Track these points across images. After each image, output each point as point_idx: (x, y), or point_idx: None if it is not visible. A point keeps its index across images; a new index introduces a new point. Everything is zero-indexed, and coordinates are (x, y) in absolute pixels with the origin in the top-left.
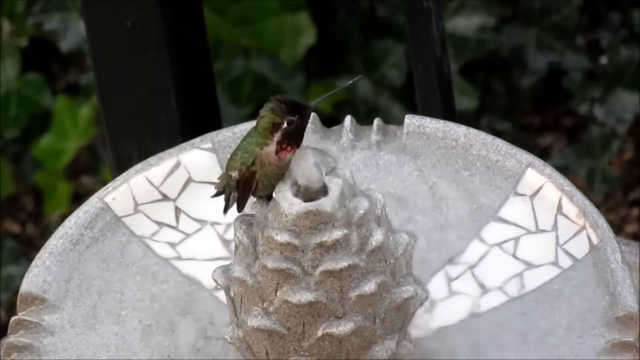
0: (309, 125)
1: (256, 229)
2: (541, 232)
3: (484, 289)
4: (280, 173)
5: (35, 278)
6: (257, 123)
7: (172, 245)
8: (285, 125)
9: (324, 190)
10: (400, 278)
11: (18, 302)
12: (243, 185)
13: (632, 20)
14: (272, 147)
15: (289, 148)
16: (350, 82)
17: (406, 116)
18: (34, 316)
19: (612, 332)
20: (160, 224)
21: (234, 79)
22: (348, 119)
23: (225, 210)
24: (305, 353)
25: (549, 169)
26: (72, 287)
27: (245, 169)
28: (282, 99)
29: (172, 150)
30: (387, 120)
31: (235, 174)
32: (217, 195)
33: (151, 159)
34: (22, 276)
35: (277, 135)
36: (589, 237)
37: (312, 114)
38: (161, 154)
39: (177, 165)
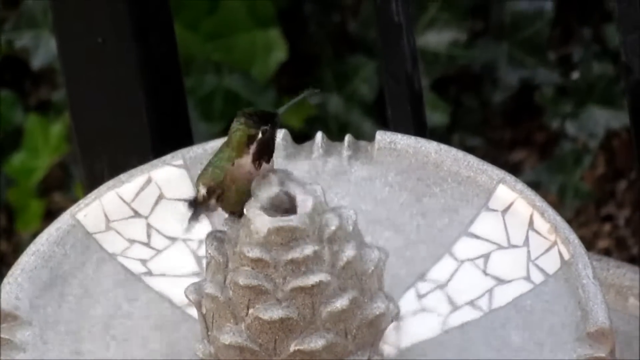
0: (279, 141)
1: (228, 245)
2: (513, 248)
3: (455, 304)
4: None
5: (7, 295)
6: (229, 138)
7: (144, 261)
8: (260, 135)
9: (294, 207)
10: (371, 294)
11: None
12: (209, 201)
13: (604, 35)
14: (246, 160)
15: (266, 158)
16: (306, 93)
17: (377, 132)
18: (6, 333)
19: (584, 348)
20: (132, 241)
21: (205, 95)
22: (319, 135)
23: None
24: None
25: (520, 185)
26: (43, 304)
27: (215, 185)
28: (251, 112)
29: (144, 166)
30: (358, 136)
31: (203, 190)
32: (190, 206)
33: (122, 176)
34: None
35: (253, 147)
36: (560, 253)
37: (284, 130)
38: (132, 171)
39: (149, 181)
